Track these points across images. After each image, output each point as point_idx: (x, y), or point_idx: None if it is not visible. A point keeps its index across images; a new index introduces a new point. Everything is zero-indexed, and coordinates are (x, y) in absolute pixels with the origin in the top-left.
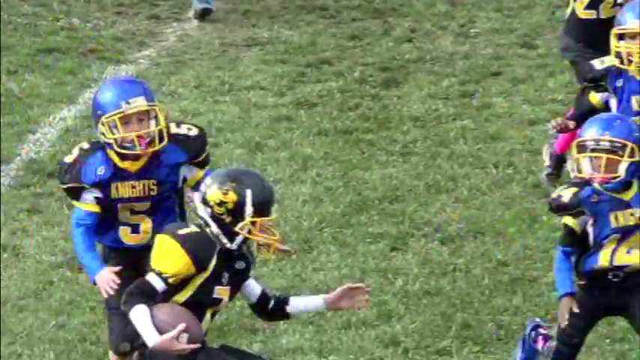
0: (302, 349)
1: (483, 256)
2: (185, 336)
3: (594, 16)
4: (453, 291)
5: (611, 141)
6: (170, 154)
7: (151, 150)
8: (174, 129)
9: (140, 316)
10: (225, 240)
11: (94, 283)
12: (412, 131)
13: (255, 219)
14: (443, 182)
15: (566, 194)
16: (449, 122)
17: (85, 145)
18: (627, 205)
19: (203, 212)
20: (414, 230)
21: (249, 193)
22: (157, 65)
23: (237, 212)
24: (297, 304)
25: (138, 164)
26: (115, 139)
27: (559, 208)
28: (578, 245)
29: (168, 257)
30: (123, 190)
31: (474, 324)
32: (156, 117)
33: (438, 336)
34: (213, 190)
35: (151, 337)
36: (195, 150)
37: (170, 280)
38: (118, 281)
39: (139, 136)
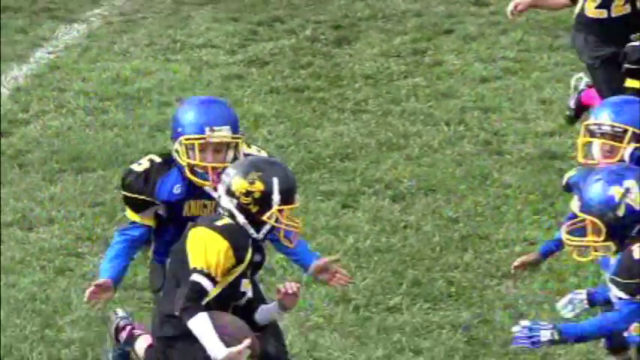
0: None
1: (434, 213)
2: (248, 351)
3: (605, 15)
4: (403, 248)
5: (612, 125)
6: None
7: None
8: (244, 150)
9: (203, 326)
10: (251, 230)
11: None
12: (364, 89)
13: (282, 207)
14: (394, 140)
15: (567, 175)
16: (400, 80)
17: (158, 159)
18: None
19: (228, 203)
20: (365, 188)
21: (275, 181)
22: (109, 24)
23: (264, 201)
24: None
25: (215, 183)
26: (189, 164)
27: (563, 188)
28: None
29: (209, 250)
30: (195, 209)
31: (425, 281)
32: (236, 147)
33: (389, 293)
34: (238, 180)
35: (217, 349)
36: None
37: (216, 276)
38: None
39: (214, 168)
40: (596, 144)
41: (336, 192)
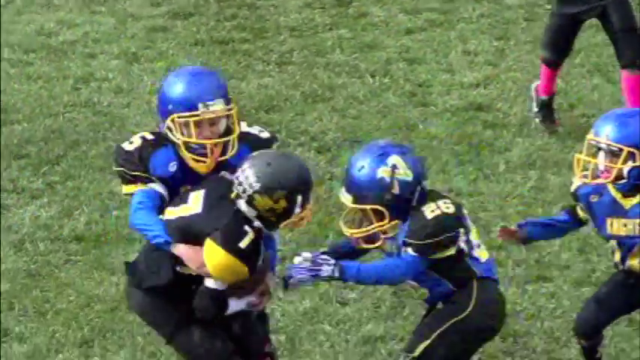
0: None
1: None
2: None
3: None
4: (329, 199)
5: (608, 144)
6: (238, 155)
7: (221, 159)
8: (244, 128)
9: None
10: (266, 230)
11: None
12: (288, 41)
13: (301, 214)
14: (319, 92)
15: (574, 183)
16: (325, 32)
17: (149, 136)
18: (624, 214)
19: (247, 211)
20: (290, 139)
21: (300, 198)
22: None
23: (285, 214)
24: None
25: (209, 165)
26: (186, 142)
27: (571, 195)
28: (575, 219)
29: (228, 272)
30: None
31: None
32: (228, 116)
33: (316, 245)
34: (263, 197)
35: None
36: None
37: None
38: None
39: (215, 145)
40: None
41: None
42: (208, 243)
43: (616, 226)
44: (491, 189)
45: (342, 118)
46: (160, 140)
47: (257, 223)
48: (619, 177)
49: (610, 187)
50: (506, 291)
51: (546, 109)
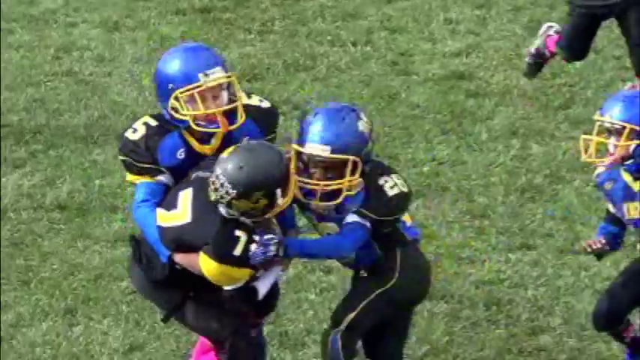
0: None
1: None
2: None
3: None
4: None
5: (611, 122)
6: (242, 128)
7: (231, 128)
8: (244, 100)
9: (263, 284)
10: (258, 220)
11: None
12: (270, 9)
13: (285, 201)
14: (302, 60)
15: (596, 172)
16: (307, 0)
17: (153, 122)
18: (636, 197)
19: (229, 213)
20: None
21: (279, 192)
22: None
23: (268, 208)
24: None
25: (214, 146)
26: (194, 117)
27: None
28: (618, 223)
29: (229, 279)
30: None
31: None
32: (228, 87)
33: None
34: (241, 201)
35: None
36: (268, 124)
37: None
38: None
39: (224, 112)
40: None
41: None
42: (202, 257)
43: (632, 211)
44: (474, 158)
45: (324, 87)
46: (164, 127)
47: (245, 221)
48: (626, 157)
49: (622, 171)
50: (489, 259)
51: (537, 66)
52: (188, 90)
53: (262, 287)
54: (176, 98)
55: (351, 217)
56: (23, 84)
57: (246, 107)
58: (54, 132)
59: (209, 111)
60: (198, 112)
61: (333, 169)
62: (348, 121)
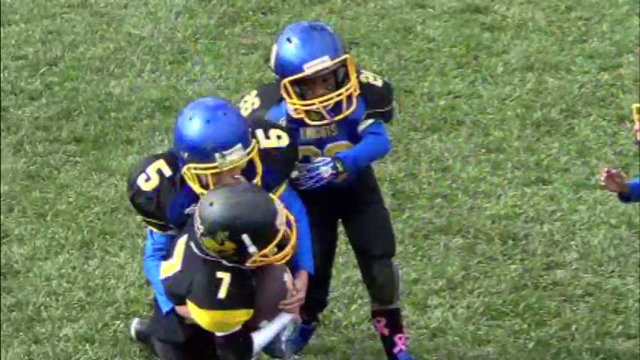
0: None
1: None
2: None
3: None
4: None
5: None
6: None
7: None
8: (263, 143)
9: (262, 336)
10: (241, 266)
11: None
12: None
13: (263, 251)
14: None
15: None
16: None
17: (167, 172)
18: None
19: (204, 253)
20: None
21: (246, 238)
22: None
23: (242, 255)
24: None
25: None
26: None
27: None
28: None
29: (224, 325)
30: None
31: None
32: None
33: None
34: (207, 240)
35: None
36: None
37: None
38: None
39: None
40: None
41: (259, 45)
42: (190, 305)
43: None
44: (490, 91)
45: (339, 19)
46: (177, 175)
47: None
48: None
49: None
50: (505, 194)
51: None
52: (198, 169)
53: (259, 339)
54: (189, 169)
55: (366, 123)
56: (39, 16)
57: (264, 152)
58: (70, 64)
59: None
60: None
61: (334, 79)
62: (321, 28)
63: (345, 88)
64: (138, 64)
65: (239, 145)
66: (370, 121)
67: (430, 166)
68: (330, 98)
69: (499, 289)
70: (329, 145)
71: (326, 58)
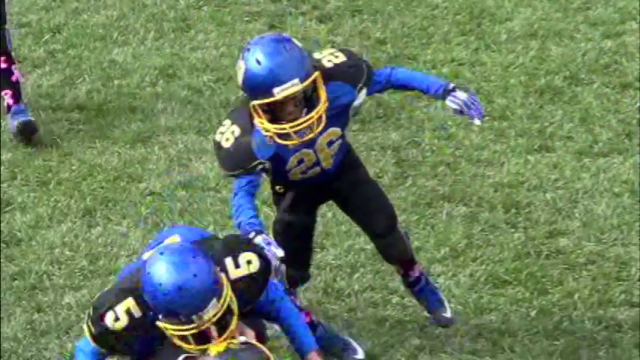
0: (181, 127)
1: (361, 34)
2: None
3: None
4: None
5: None
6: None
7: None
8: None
9: None
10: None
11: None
12: None
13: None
14: None
15: None
16: None
17: (137, 312)
18: None
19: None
20: (292, 8)
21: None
22: None
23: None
24: None
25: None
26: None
27: None
28: None
29: None
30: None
31: None
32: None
33: None
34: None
35: None
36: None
37: None
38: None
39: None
40: None
41: (263, 13)
42: None
43: None
44: (493, 59)
45: None
46: (148, 317)
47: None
48: None
49: None
50: (508, 162)
51: None
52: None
53: None
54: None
55: (362, 94)
56: None
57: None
58: (73, 31)
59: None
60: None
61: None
62: (289, 47)
63: (316, 111)
64: (141, 32)
65: (296, 80)
66: (364, 90)
67: (433, 134)
68: (301, 123)
69: (502, 258)
70: (319, 140)
71: (296, 81)
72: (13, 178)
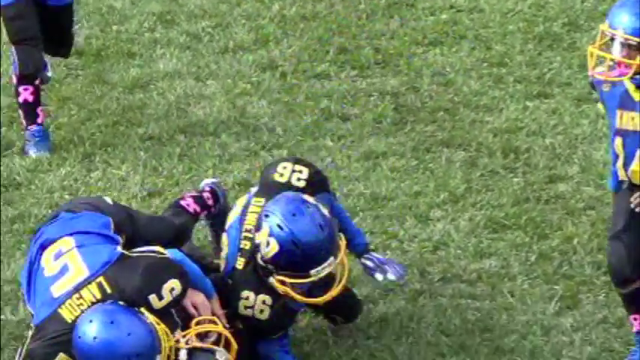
0: (180, 73)
1: None
2: None
3: None
4: (330, 15)
5: (625, 38)
6: None
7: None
8: None
9: None
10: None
11: None
12: None
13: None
14: None
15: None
16: None
17: None
18: (633, 107)
19: None
20: None
21: None
22: None
23: None
24: None
25: None
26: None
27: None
28: None
29: None
30: None
31: (352, 48)
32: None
33: (316, 60)
34: None
35: None
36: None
37: None
38: None
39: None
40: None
41: None
42: None
43: (625, 119)
44: (492, 5)
45: None
46: None
47: None
48: (637, 72)
49: (625, 78)
50: (507, 108)
51: None
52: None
53: None
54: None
55: None
56: None
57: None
58: None
59: None
60: None
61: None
62: (327, 224)
63: (339, 283)
64: None
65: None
66: None
67: (432, 80)
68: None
69: (501, 203)
70: None
71: (332, 259)
72: (12, 122)
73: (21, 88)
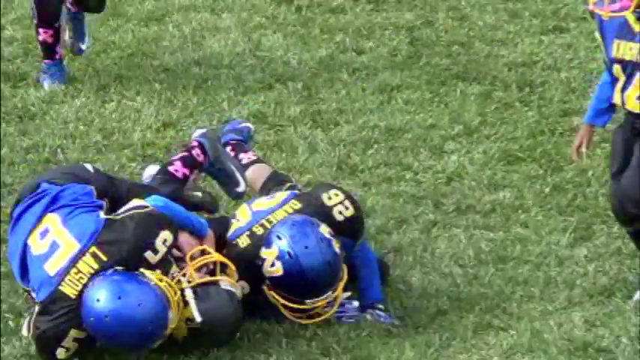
0: (195, 6)
1: None
2: None
3: None
4: None
5: None
6: None
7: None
8: None
9: None
10: None
11: None
12: None
13: None
14: None
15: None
16: None
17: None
18: (632, 37)
19: None
20: None
21: None
22: None
23: None
24: None
25: None
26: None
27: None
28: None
29: None
30: None
31: None
32: None
33: None
34: None
35: None
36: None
37: None
38: None
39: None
40: None
41: None
42: None
43: (622, 49)
44: None
45: None
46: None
47: None
48: (638, 5)
49: (626, 13)
50: (522, 42)
51: None
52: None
53: None
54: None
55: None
56: None
57: None
58: None
59: None
60: None
61: None
62: (336, 256)
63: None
64: None
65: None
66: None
67: (447, 14)
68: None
69: (515, 135)
70: None
71: (329, 292)
72: (27, 54)
73: (41, 30)
